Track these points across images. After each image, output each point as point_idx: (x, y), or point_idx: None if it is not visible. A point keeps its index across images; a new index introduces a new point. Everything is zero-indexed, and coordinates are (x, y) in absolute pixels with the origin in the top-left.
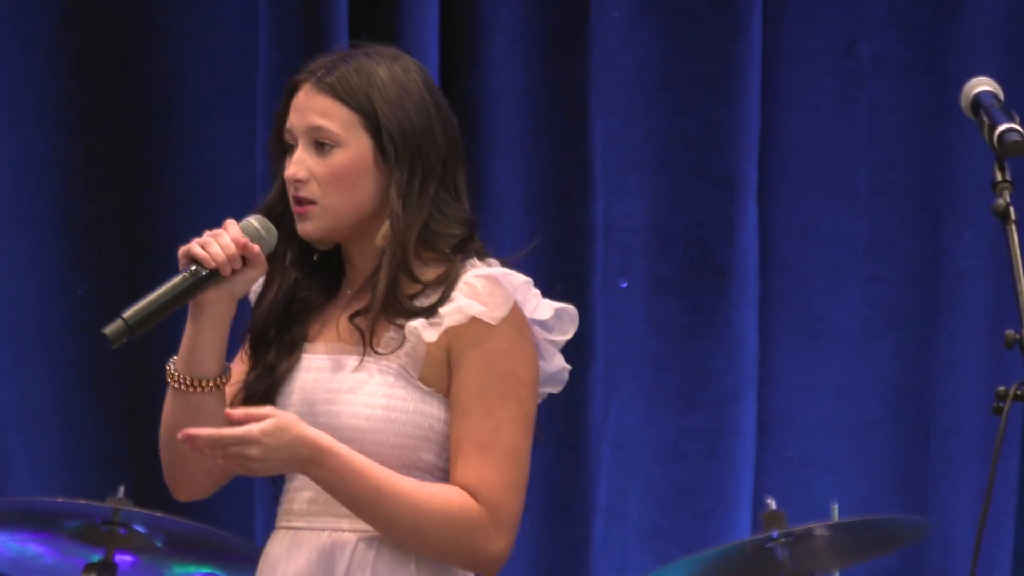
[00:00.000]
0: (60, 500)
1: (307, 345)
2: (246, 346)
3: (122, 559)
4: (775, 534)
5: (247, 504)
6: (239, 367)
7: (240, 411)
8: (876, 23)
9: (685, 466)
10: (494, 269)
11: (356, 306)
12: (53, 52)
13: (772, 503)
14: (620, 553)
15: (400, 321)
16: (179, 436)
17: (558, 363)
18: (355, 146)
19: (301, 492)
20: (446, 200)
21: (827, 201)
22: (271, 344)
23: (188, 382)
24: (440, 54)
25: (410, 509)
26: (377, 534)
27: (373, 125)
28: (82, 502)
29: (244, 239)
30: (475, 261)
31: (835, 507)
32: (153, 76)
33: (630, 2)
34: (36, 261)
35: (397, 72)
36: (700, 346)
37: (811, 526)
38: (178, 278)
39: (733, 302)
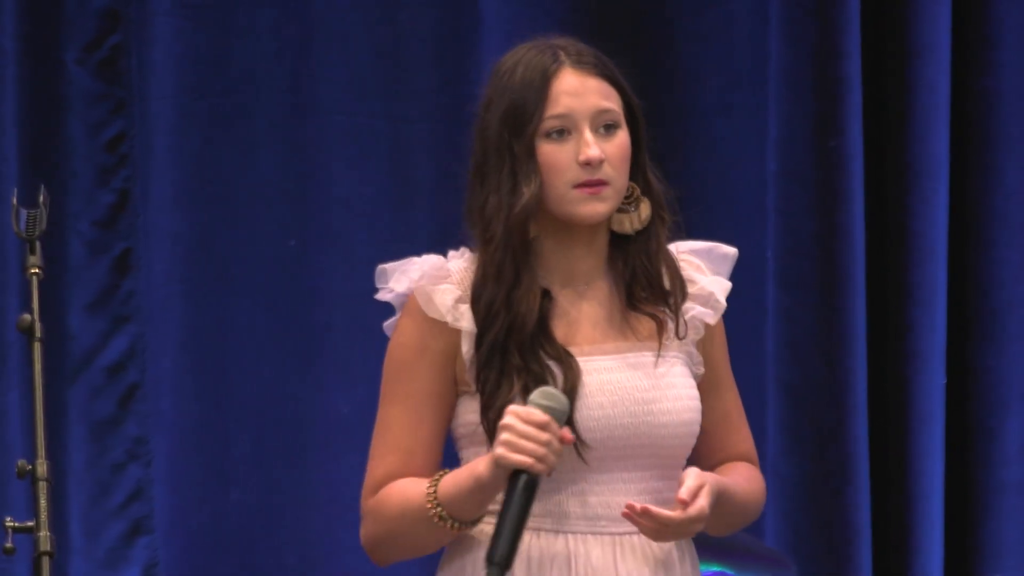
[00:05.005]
0: None
1: (574, 348)
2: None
3: None
4: None
5: None
6: (445, 401)
7: (688, 493)
8: None
9: None
10: (698, 243)
11: (619, 298)
12: None
13: None
14: None
15: (668, 309)
16: (636, 508)
17: None
18: (626, 129)
19: (615, 496)
20: None
21: None
22: (512, 359)
23: (455, 527)
24: (952, 52)
25: (754, 503)
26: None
27: (630, 112)
28: None
29: (570, 435)
30: None
31: None
32: (665, 75)
33: None
34: None
35: None
36: None
37: None
38: (520, 494)
39: None
